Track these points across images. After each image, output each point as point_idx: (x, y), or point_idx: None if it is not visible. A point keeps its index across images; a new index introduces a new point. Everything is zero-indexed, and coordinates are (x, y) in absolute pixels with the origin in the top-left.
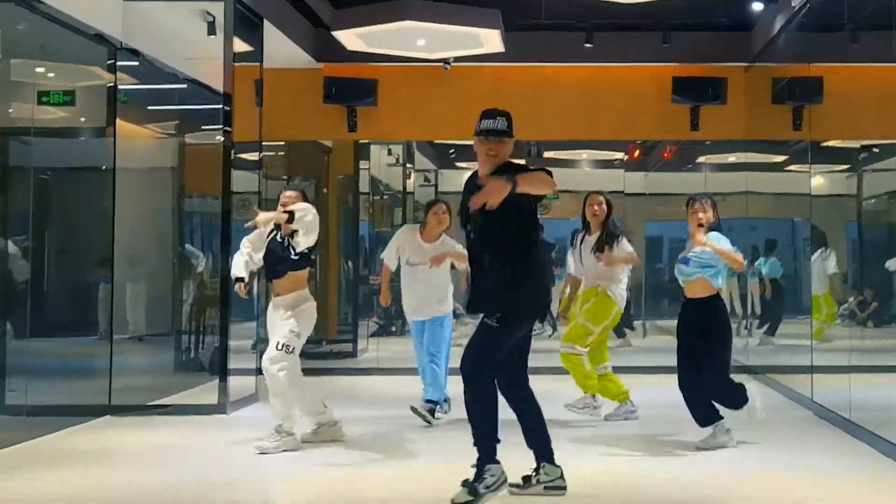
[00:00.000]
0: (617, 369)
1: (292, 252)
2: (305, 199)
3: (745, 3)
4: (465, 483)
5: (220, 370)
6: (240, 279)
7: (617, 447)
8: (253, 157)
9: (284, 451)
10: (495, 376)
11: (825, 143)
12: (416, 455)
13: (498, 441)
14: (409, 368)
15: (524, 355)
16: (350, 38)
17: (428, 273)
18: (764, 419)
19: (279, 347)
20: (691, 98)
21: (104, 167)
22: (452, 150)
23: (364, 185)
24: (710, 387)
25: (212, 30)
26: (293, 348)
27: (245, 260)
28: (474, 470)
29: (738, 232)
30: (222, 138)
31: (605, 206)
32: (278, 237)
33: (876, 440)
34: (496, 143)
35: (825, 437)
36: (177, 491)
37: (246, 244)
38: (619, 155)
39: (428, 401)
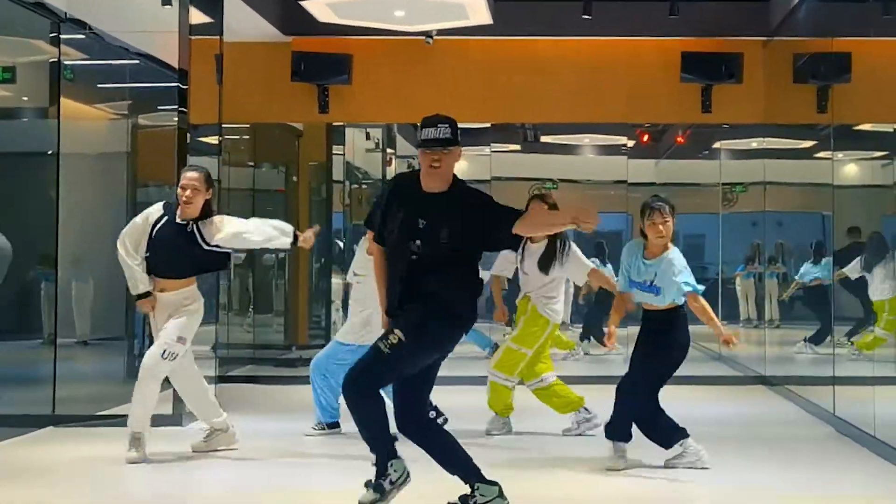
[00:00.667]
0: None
1: (204, 244)
2: (210, 182)
3: None
4: (367, 483)
5: None
6: (146, 294)
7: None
8: (213, 139)
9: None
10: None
11: (858, 127)
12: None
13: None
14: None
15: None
16: (320, 8)
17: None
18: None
19: (164, 356)
20: (703, 76)
21: (48, 152)
22: None
23: (338, 173)
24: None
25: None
26: (176, 355)
27: (140, 268)
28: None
29: (761, 227)
30: (177, 119)
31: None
32: (180, 223)
33: None
34: (440, 153)
35: (847, 455)
36: None
37: (127, 244)
38: (625, 140)
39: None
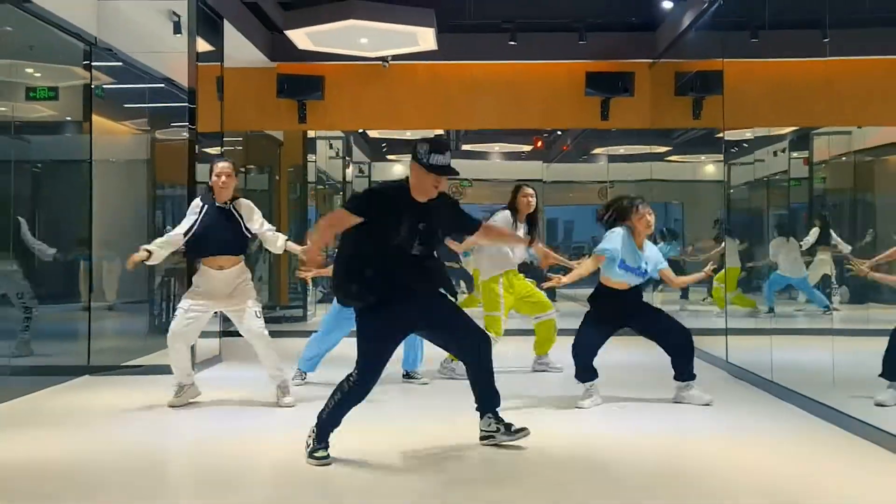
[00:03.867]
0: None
1: (245, 229)
2: (237, 169)
3: (653, 2)
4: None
5: None
6: (148, 252)
7: (535, 409)
8: (215, 149)
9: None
10: None
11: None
12: (390, 411)
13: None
14: None
15: None
16: (300, 37)
17: None
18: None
19: (258, 315)
20: (603, 90)
21: (86, 160)
22: (384, 144)
23: (311, 176)
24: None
25: (178, 29)
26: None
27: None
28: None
29: None
30: (187, 133)
31: (534, 200)
32: (223, 208)
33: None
34: (444, 180)
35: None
36: (143, 449)
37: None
38: (525, 146)
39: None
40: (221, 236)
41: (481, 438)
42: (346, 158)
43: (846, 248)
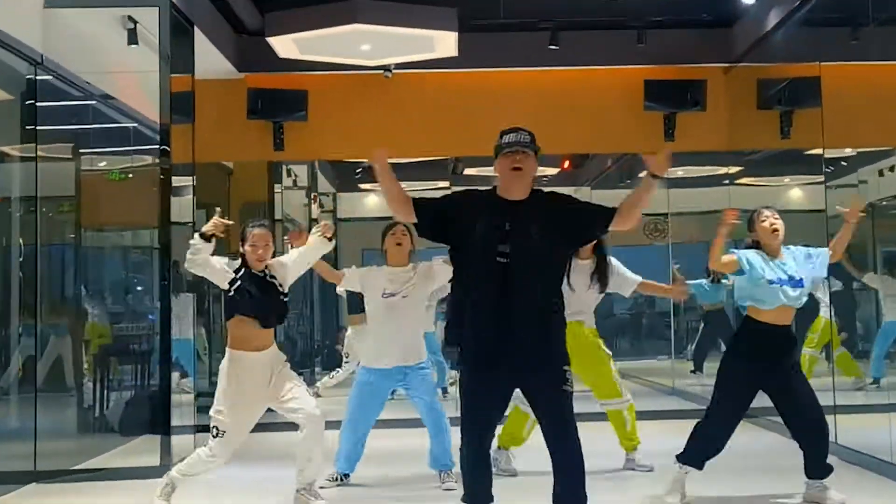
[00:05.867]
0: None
1: (282, 295)
2: (274, 237)
3: None
4: None
5: (163, 427)
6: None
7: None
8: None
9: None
10: None
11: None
12: None
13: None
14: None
15: None
16: (285, 44)
17: (406, 303)
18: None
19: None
20: (666, 104)
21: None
22: (359, 170)
23: (278, 212)
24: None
25: (132, 38)
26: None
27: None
28: None
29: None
30: (159, 161)
31: None
32: (259, 273)
33: None
34: (522, 153)
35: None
36: None
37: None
38: (549, 170)
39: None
40: (261, 301)
41: None
42: (310, 189)
43: None
